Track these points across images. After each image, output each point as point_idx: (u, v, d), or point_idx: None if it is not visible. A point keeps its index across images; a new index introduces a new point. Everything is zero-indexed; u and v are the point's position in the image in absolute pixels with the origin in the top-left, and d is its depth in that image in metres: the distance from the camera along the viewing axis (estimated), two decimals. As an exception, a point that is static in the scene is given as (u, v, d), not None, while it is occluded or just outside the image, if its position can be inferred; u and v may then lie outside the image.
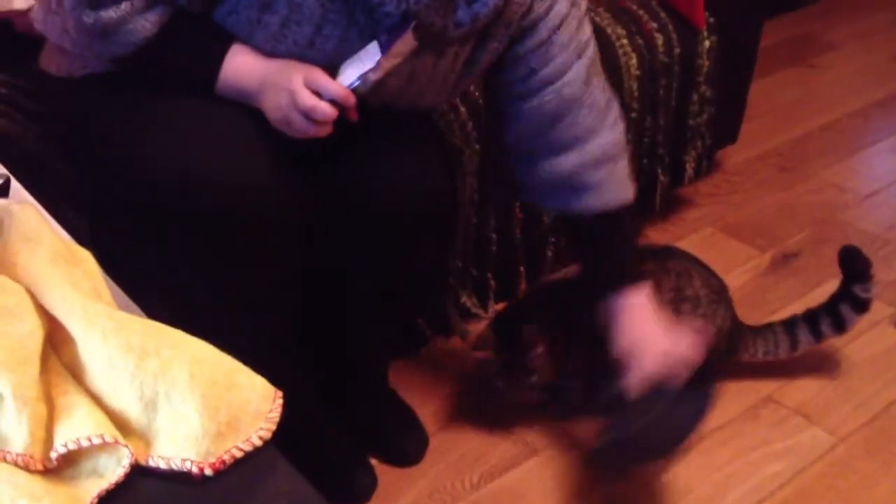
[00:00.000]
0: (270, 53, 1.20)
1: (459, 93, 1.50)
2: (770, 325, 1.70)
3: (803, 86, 2.81)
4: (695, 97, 2.03)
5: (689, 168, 2.12)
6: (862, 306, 1.66)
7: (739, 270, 2.03)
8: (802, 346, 1.68)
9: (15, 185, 0.78)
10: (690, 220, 2.19)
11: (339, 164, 1.33)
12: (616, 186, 1.42)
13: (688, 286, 1.58)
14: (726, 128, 2.23)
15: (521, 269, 1.89)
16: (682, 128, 2.05)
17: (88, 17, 1.16)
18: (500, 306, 1.88)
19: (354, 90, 1.17)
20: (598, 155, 1.39)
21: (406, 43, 1.18)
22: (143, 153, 1.19)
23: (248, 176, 1.20)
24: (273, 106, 1.19)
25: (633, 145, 1.95)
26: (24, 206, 0.67)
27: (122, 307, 0.69)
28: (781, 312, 1.88)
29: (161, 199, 1.18)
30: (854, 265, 1.67)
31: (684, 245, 1.99)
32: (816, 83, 2.84)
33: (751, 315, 1.76)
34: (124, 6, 1.16)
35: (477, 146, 1.66)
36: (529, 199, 1.50)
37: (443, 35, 1.23)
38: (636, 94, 1.89)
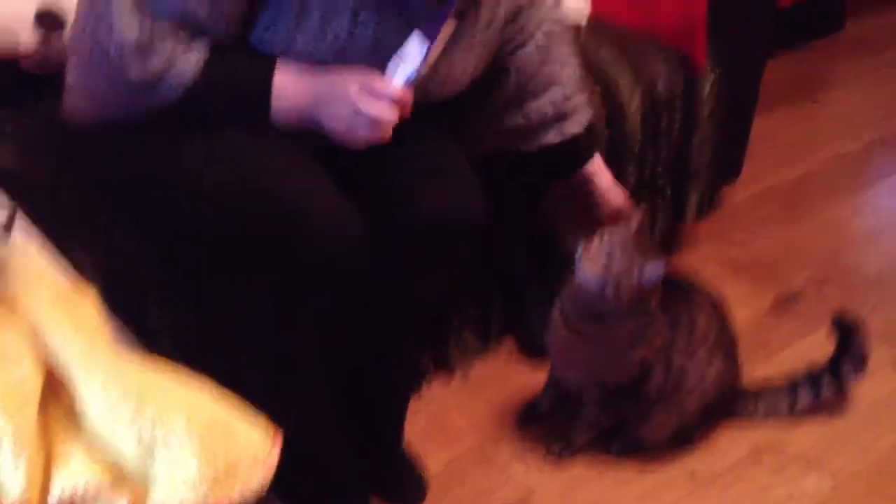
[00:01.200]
0: (313, 54, 1.21)
1: (477, 75, 1.49)
2: (769, 385, 1.70)
3: (806, 123, 2.81)
4: (697, 134, 2.04)
5: (692, 205, 2.12)
6: (862, 364, 1.68)
7: (741, 310, 2.01)
8: (801, 405, 1.69)
9: (20, 219, 0.78)
10: (693, 258, 2.19)
11: (382, 182, 1.34)
12: (586, 106, 1.58)
13: (695, 325, 1.57)
14: (729, 165, 2.24)
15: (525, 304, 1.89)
16: (685, 165, 2.05)
17: (136, 73, 1.17)
18: (502, 343, 1.88)
19: (408, 86, 1.18)
20: (576, 80, 1.54)
21: (449, 27, 1.20)
22: (224, 189, 1.21)
23: (329, 199, 1.21)
24: (334, 118, 1.20)
25: (635, 179, 1.95)
26: (28, 245, 0.67)
27: (123, 346, 0.69)
28: (783, 354, 1.88)
29: (248, 231, 1.20)
30: (848, 332, 1.70)
31: (686, 282, 1.99)
32: (820, 120, 2.84)
33: (752, 356, 1.75)
34: (170, 48, 1.17)
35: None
36: (520, 144, 1.55)
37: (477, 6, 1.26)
38: (639, 129, 1.90)
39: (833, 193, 2.47)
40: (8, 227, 0.76)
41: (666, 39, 1.96)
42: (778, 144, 2.65)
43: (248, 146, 1.25)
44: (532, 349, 1.85)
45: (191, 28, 1.19)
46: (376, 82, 1.18)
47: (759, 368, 1.78)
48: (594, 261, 1.45)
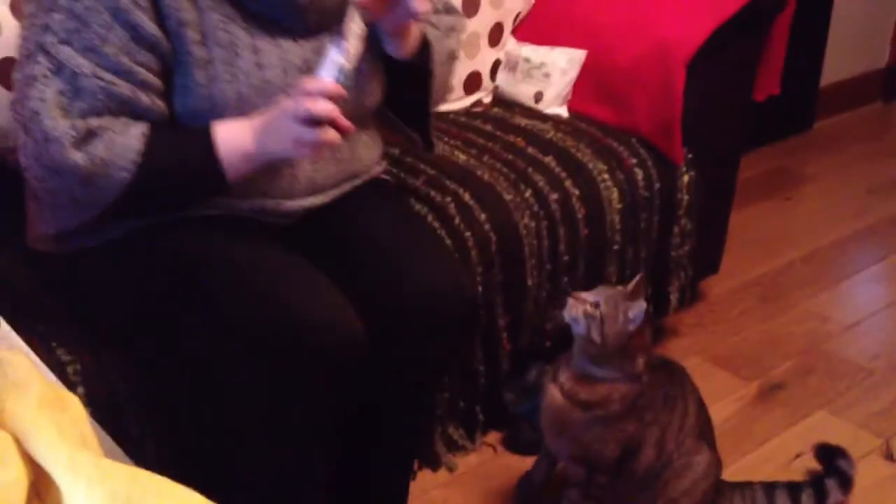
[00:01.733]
0: (238, 100, 1.27)
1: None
2: (749, 483, 1.70)
3: (782, 217, 2.87)
4: (676, 229, 2.07)
5: (673, 298, 2.14)
6: (847, 484, 1.69)
7: (726, 401, 2.03)
8: None
9: (5, 327, 0.78)
10: (675, 351, 2.20)
11: (368, 270, 1.36)
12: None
13: (688, 412, 1.57)
14: (708, 258, 2.27)
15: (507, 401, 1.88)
16: (665, 259, 2.08)
17: (83, 161, 1.20)
18: (488, 438, 1.87)
19: (338, 83, 1.22)
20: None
21: (356, 23, 1.25)
22: (232, 309, 1.23)
23: (333, 310, 1.24)
24: (278, 140, 1.24)
25: (616, 277, 1.97)
26: (14, 351, 0.67)
27: (108, 453, 0.69)
28: (769, 444, 1.88)
29: (260, 346, 1.21)
30: (831, 456, 1.72)
31: (670, 376, 1.99)
32: (794, 215, 2.90)
33: (738, 447, 1.75)
34: (108, 134, 1.20)
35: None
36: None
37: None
38: (618, 226, 1.93)
39: (811, 286, 2.50)
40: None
41: (643, 137, 2.01)
42: (754, 239, 2.70)
43: (236, 253, 1.28)
44: (518, 445, 1.85)
45: (122, 114, 1.23)
46: (306, 83, 1.23)
47: (744, 459, 1.77)
48: (581, 302, 1.48)
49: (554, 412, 1.56)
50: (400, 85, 1.47)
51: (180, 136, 1.28)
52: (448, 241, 1.68)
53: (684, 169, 2.03)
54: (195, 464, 1.20)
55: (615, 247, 1.94)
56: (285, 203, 1.37)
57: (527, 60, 2.13)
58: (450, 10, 1.60)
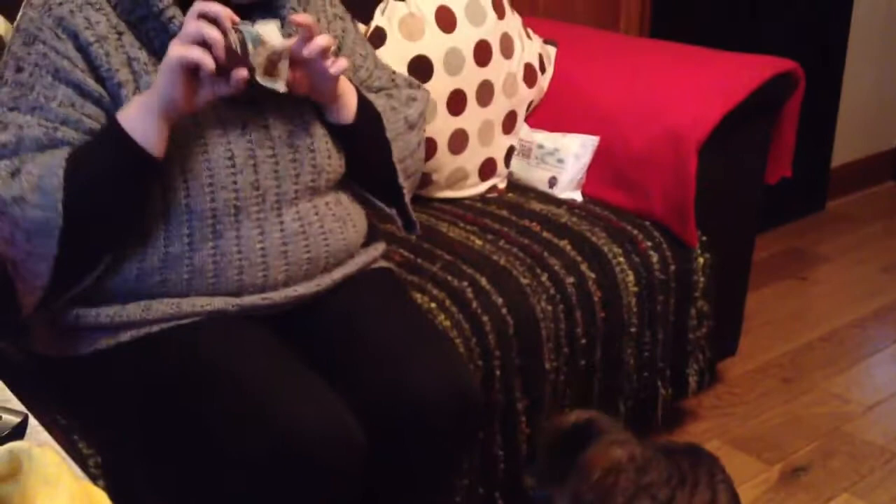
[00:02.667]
0: (180, 155, 1.28)
1: None
2: None
3: (798, 298, 2.86)
4: (693, 311, 2.07)
5: (692, 380, 2.13)
6: None
7: (749, 485, 2.00)
8: None
9: (33, 422, 0.79)
10: (695, 434, 2.18)
11: (368, 368, 1.35)
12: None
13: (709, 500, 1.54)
14: (726, 340, 2.26)
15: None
16: (682, 341, 2.08)
17: (13, 185, 1.22)
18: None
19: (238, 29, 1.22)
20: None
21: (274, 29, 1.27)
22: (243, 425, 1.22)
23: (331, 421, 1.23)
24: (169, 72, 1.21)
25: (634, 359, 1.97)
26: (44, 448, 0.68)
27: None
28: (794, 530, 1.85)
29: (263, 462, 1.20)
30: None
31: (691, 460, 1.97)
32: (810, 295, 2.90)
33: (763, 533, 1.72)
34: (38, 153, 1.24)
35: (480, 362, 1.69)
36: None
37: None
38: (635, 309, 1.94)
39: (830, 367, 2.49)
40: (21, 428, 0.77)
41: (657, 220, 2.03)
42: (772, 320, 2.69)
43: (231, 366, 1.27)
44: None
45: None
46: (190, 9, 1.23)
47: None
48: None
49: None
50: (357, 154, 1.47)
51: (94, 137, 1.29)
52: (466, 326, 1.69)
53: (699, 251, 2.04)
54: None
55: (632, 329, 1.94)
56: (272, 296, 1.37)
57: (540, 147, 2.16)
58: (411, 84, 1.64)
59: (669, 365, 2.06)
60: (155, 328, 1.31)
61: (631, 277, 1.93)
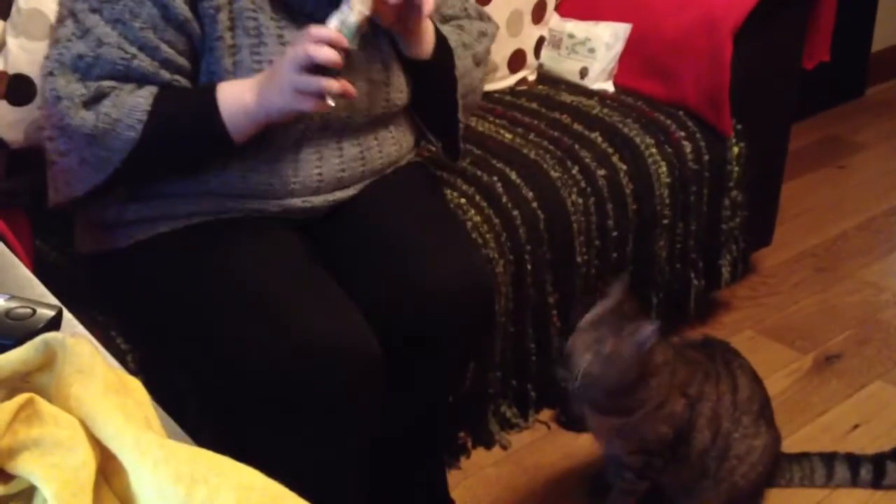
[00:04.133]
0: None
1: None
2: (807, 455, 1.69)
3: (834, 187, 2.82)
4: (726, 202, 2.05)
5: (725, 272, 2.12)
6: None
7: (781, 373, 2.01)
8: (837, 481, 1.68)
9: (67, 315, 0.80)
10: (728, 324, 2.18)
11: (388, 264, 1.34)
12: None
13: (738, 388, 1.56)
14: (760, 230, 2.24)
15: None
16: (716, 232, 2.06)
17: (91, 119, 1.21)
18: (540, 416, 1.87)
19: (341, 33, 1.21)
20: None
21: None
22: (255, 333, 1.22)
23: (345, 330, 1.23)
24: (279, 92, 1.21)
25: (667, 251, 1.96)
26: (78, 338, 0.69)
27: (171, 435, 0.71)
28: (827, 415, 1.86)
29: (280, 373, 1.20)
30: None
31: (724, 350, 1.98)
32: (847, 184, 2.85)
33: (795, 419, 1.74)
34: (117, 93, 1.22)
35: (511, 256, 1.69)
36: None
37: None
38: (667, 201, 1.92)
39: (865, 255, 2.46)
40: (56, 321, 0.78)
41: (690, 109, 1.99)
42: (807, 209, 2.66)
43: (256, 273, 1.27)
44: (571, 422, 1.85)
45: (136, 80, 1.24)
46: (308, 29, 1.21)
47: (801, 431, 1.76)
48: (572, 366, 1.42)
49: (598, 429, 1.57)
50: (424, 87, 1.46)
51: (187, 96, 1.28)
52: (496, 221, 1.68)
53: (733, 140, 2.01)
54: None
55: (665, 221, 1.93)
56: (312, 199, 1.37)
57: (571, 36, 2.12)
58: (482, 16, 1.59)
59: (702, 256, 2.05)
60: (194, 220, 1.32)
61: (664, 168, 1.91)
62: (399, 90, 1.42)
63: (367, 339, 1.24)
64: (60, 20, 1.26)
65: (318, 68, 1.19)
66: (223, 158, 1.30)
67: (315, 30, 1.20)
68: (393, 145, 1.45)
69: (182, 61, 1.27)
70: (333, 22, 1.22)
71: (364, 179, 1.43)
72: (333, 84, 1.19)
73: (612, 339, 1.39)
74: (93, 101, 1.22)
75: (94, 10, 1.23)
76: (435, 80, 1.45)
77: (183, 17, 1.24)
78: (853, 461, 1.67)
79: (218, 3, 1.26)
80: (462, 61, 1.46)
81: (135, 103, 1.23)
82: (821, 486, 1.68)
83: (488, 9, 1.99)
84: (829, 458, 1.68)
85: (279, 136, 1.31)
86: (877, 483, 1.67)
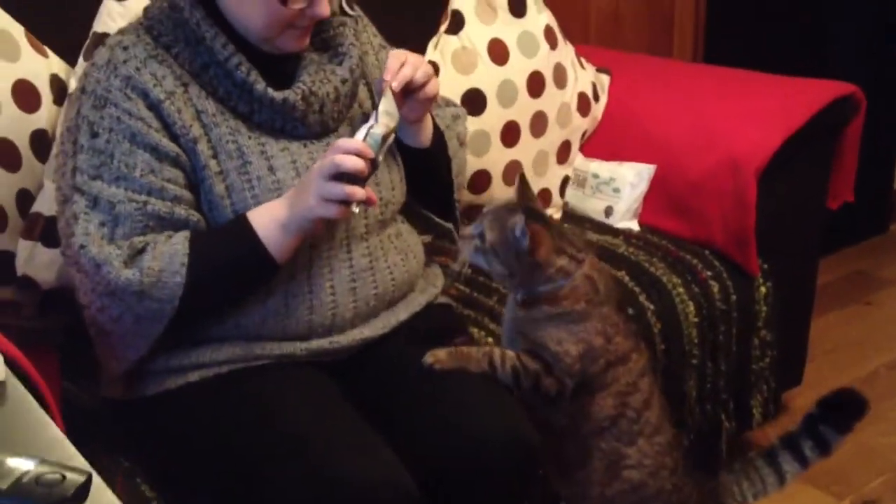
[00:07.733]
0: (257, 205, 1.30)
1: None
2: (750, 462, 1.61)
3: (863, 323, 2.79)
4: (755, 342, 2.03)
5: (756, 412, 2.08)
6: (843, 426, 1.60)
7: (818, 519, 1.95)
8: (790, 477, 1.59)
9: (96, 480, 0.78)
10: (761, 466, 2.12)
11: (427, 419, 1.33)
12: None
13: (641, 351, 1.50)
14: (790, 369, 2.21)
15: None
16: (746, 372, 2.03)
17: (136, 276, 1.23)
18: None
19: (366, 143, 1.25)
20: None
21: (388, 101, 1.30)
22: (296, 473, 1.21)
23: (385, 474, 1.22)
24: (307, 199, 1.24)
25: (696, 392, 1.93)
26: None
27: None
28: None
29: None
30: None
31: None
32: (875, 319, 2.82)
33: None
34: (152, 245, 1.24)
35: (540, 400, 1.66)
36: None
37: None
38: (696, 340, 1.90)
39: (898, 395, 2.42)
40: (84, 490, 0.76)
41: (717, 248, 1.99)
42: (837, 347, 2.62)
43: (287, 416, 1.27)
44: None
45: (163, 229, 1.27)
46: (338, 140, 1.26)
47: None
48: (468, 239, 1.44)
49: (510, 320, 1.50)
50: (425, 174, 1.51)
51: (220, 232, 1.31)
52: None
53: (761, 280, 2.01)
54: None
55: (693, 361, 1.91)
56: (339, 339, 1.37)
57: (595, 176, 2.14)
58: (449, 103, 1.67)
59: (733, 396, 2.02)
60: (224, 369, 1.32)
61: (691, 308, 1.90)
62: (390, 188, 1.45)
63: (403, 479, 1.23)
64: (66, 200, 1.29)
65: (344, 177, 1.22)
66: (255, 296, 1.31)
67: (343, 141, 1.26)
68: (398, 255, 1.45)
69: (189, 195, 1.31)
70: (360, 133, 1.28)
71: (382, 301, 1.42)
72: (358, 191, 1.23)
73: (496, 231, 1.42)
74: (131, 260, 1.24)
75: (94, 178, 1.27)
76: (434, 164, 1.51)
77: (174, 152, 1.29)
78: (793, 445, 1.59)
79: (194, 136, 1.30)
80: (450, 141, 1.54)
81: (173, 250, 1.25)
82: (779, 488, 1.59)
83: (514, 150, 2.04)
84: (771, 458, 1.59)
85: (291, 265, 1.32)
86: (825, 452, 1.59)
